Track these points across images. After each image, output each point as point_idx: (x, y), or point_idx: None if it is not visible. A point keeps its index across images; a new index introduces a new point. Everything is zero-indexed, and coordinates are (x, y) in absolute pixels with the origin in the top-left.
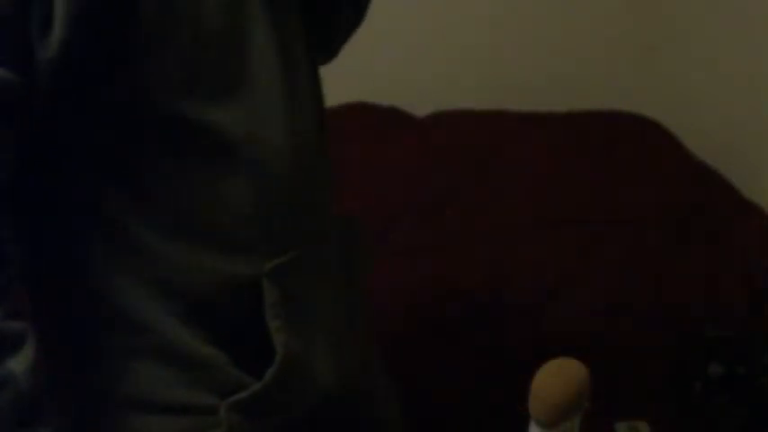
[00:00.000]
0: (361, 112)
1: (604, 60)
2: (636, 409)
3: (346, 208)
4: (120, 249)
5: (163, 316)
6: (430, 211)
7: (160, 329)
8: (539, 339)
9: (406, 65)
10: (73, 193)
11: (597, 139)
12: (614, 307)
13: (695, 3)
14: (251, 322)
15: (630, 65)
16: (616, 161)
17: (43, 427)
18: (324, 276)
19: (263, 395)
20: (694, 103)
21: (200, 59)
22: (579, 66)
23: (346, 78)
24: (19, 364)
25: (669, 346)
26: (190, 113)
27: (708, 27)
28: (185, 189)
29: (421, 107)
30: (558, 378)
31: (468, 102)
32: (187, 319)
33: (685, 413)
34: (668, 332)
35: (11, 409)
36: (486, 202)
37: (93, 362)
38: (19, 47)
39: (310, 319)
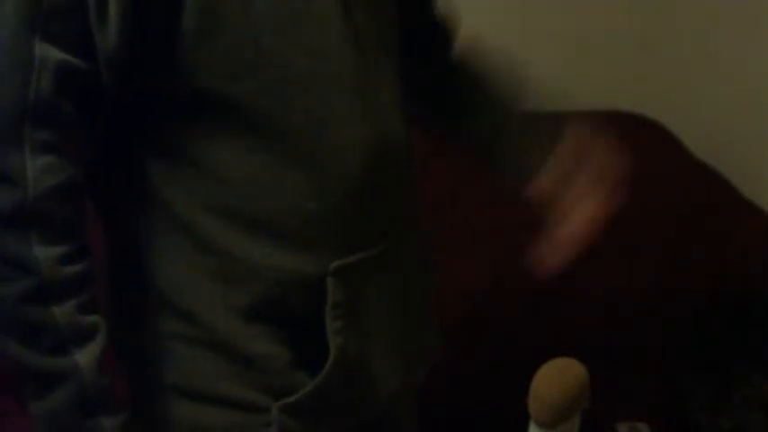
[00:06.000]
0: None
1: (604, 60)
2: (636, 410)
3: None
4: (181, 240)
5: (222, 311)
6: (430, 211)
7: (218, 324)
8: (539, 339)
9: None
10: (133, 181)
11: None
12: (614, 307)
13: (695, 2)
14: (312, 322)
15: (630, 65)
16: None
17: (107, 418)
18: (396, 279)
19: (313, 397)
20: (694, 103)
21: (253, 49)
22: (579, 66)
23: None
24: (85, 356)
25: (669, 345)
26: (241, 100)
27: (708, 27)
28: (242, 178)
29: None
30: (558, 378)
31: None
32: (247, 316)
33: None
34: (668, 332)
35: (74, 399)
36: (486, 202)
37: (147, 349)
38: (80, 37)
39: (374, 322)
